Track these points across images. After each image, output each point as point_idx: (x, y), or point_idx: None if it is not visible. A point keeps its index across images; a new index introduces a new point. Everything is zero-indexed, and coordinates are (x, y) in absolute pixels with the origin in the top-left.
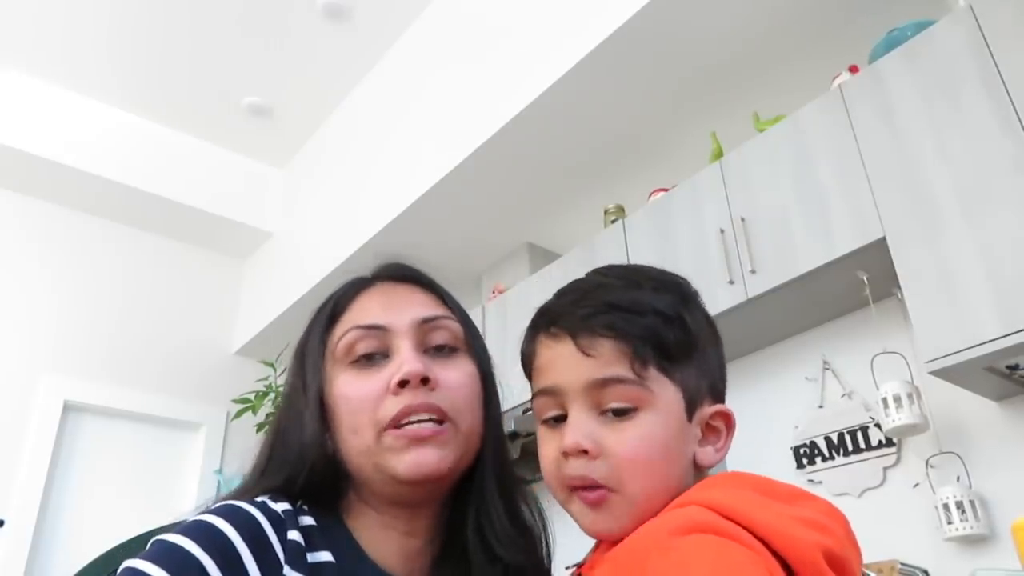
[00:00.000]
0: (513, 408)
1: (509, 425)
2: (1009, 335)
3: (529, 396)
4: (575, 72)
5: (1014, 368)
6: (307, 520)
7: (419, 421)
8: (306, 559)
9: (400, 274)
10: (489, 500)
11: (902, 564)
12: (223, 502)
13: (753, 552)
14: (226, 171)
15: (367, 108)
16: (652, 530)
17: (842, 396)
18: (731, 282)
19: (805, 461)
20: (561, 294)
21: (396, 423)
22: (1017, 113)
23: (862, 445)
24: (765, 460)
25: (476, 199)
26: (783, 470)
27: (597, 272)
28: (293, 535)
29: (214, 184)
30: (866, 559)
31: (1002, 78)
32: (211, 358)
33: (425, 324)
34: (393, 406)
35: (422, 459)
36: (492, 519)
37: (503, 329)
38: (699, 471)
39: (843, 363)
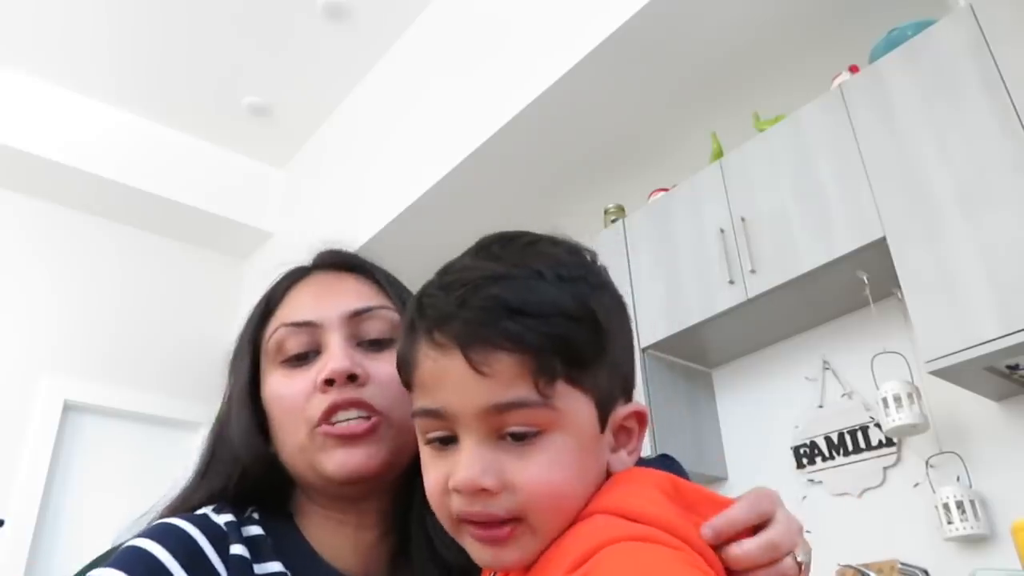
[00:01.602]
0: None
1: None
2: (1009, 335)
3: None
4: (575, 72)
5: (1014, 368)
6: (255, 530)
7: (348, 419)
8: (253, 572)
9: (337, 262)
10: None
11: (902, 564)
12: (159, 521)
13: (674, 548)
14: (226, 171)
15: (367, 108)
16: (560, 558)
17: (842, 396)
18: (731, 282)
19: (805, 461)
20: (444, 286)
21: (325, 420)
22: (1017, 113)
23: (862, 445)
24: (765, 460)
25: (476, 199)
26: (783, 470)
27: (485, 251)
28: (236, 549)
29: (214, 184)
30: (866, 559)
31: (1002, 78)
32: (211, 358)
33: (357, 316)
34: (320, 404)
35: (349, 459)
36: (435, 517)
37: None
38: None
39: (843, 363)
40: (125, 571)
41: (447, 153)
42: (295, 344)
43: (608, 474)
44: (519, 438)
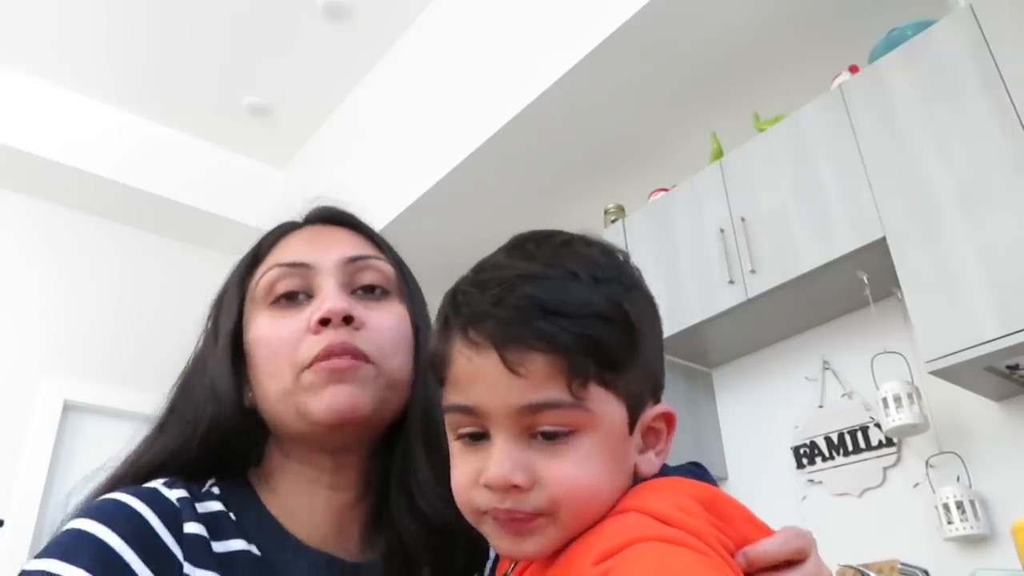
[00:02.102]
0: None
1: None
2: (1009, 335)
3: None
4: (575, 72)
5: (1014, 368)
6: (214, 506)
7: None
8: (211, 551)
9: (330, 215)
10: (415, 451)
11: (902, 564)
12: (104, 498)
13: (702, 553)
14: (226, 171)
15: (367, 108)
16: (589, 549)
17: (842, 396)
18: (731, 282)
19: (805, 461)
20: (479, 283)
21: (314, 364)
22: (1017, 113)
23: (862, 445)
24: (765, 460)
25: (476, 199)
26: (783, 470)
27: (520, 249)
28: (192, 527)
29: (214, 184)
30: (866, 559)
31: (1002, 78)
32: None
33: (352, 263)
34: (313, 346)
35: (339, 397)
36: (417, 471)
37: None
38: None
39: (843, 363)
40: (69, 562)
41: (447, 153)
42: (286, 285)
43: (636, 474)
44: (550, 437)
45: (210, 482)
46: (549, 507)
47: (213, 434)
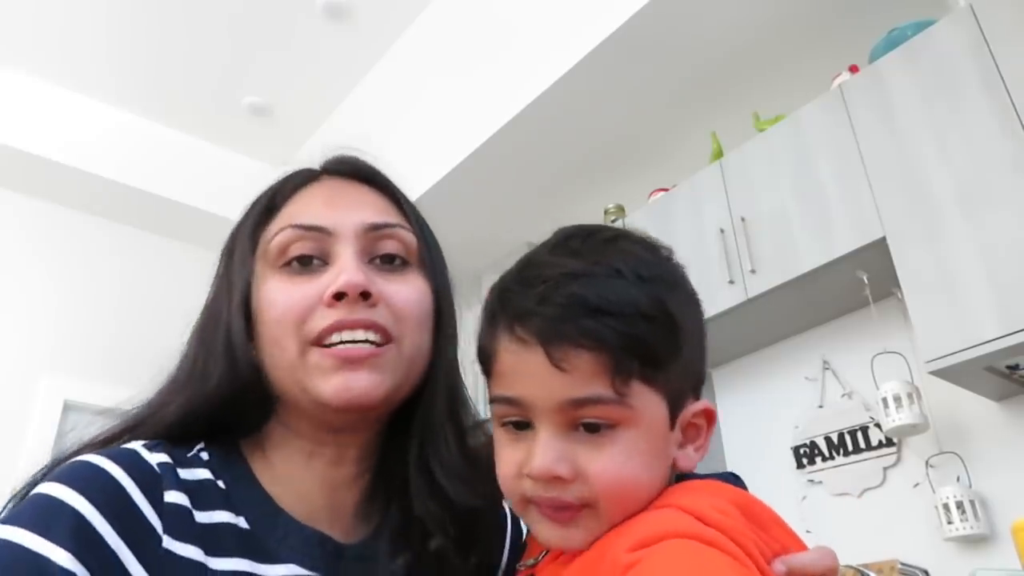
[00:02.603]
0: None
1: None
2: (1009, 335)
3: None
4: (575, 72)
5: (1014, 368)
6: (200, 473)
7: (353, 341)
8: (193, 521)
9: (352, 170)
10: (438, 430)
11: (902, 564)
12: (80, 459)
13: (734, 556)
14: (226, 171)
15: (367, 108)
16: (623, 539)
17: (842, 396)
18: (731, 282)
19: (805, 461)
20: (524, 280)
21: (323, 339)
22: (1017, 113)
23: (862, 445)
24: (765, 460)
25: (476, 198)
26: (783, 470)
27: (564, 247)
28: (172, 496)
29: (214, 184)
30: (866, 559)
31: (1002, 78)
32: None
33: (373, 231)
34: (323, 319)
35: (352, 383)
36: (440, 451)
37: None
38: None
39: (843, 363)
40: (43, 535)
41: (447, 153)
42: (300, 248)
43: (674, 468)
44: (592, 429)
45: (198, 446)
46: (591, 499)
47: (224, 391)
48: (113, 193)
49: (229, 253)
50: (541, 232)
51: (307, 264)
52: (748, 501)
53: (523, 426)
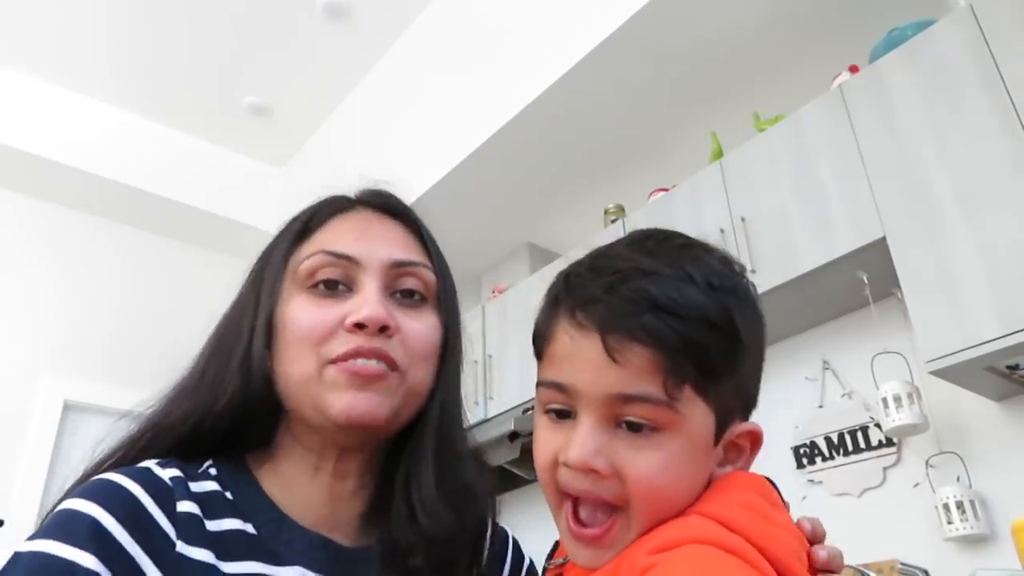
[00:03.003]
0: (513, 408)
1: (508, 425)
2: (1009, 335)
3: (528, 398)
4: (575, 72)
5: (1014, 368)
6: (209, 485)
7: (366, 363)
8: (205, 529)
9: (384, 204)
10: (422, 460)
11: (902, 564)
12: (97, 478)
13: (754, 566)
14: (226, 171)
15: (367, 108)
16: (645, 546)
17: (842, 396)
18: None
19: (805, 461)
20: (595, 269)
21: (340, 361)
22: (1017, 113)
23: (862, 445)
24: (765, 460)
25: (476, 199)
26: (783, 470)
27: (640, 245)
28: (184, 506)
29: (214, 184)
30: (866, 559)
31: (1002, 78)
32: None
33: (397, 267)
34: (342, 344)
35: (358, 403)
36: (420, 481)
37: (502, 329)
38: None
39: (843, 363)
40: (66, 542)
41: (447, 153)
42: (328, 272)
43: (709, 484)
44: (635, 429)
45: (207, 463)
46: (623, 500)
47: (236, 404)
48: (113, 193)
49: (260, 271)
50: (541, 232)
51: (333, 288)
52: (769, 488)
53: (565, 415)
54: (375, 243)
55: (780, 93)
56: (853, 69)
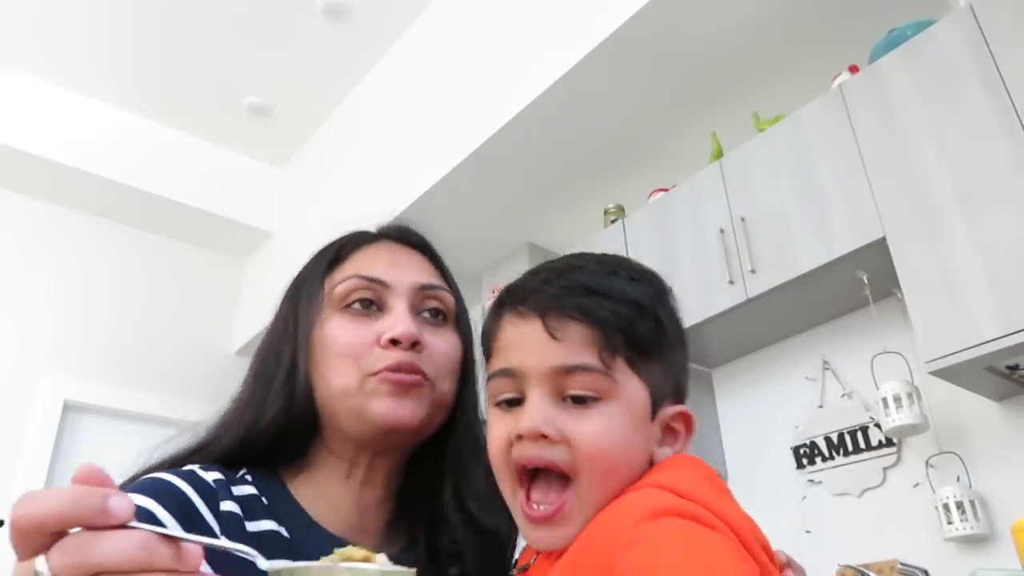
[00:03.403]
0: None
1: None
2: (1009, 335)
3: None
4: (575, 72)
5: (1014, 368)
6: (247, 489)
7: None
8: (245, 529)
9: (407, 237)
10: (468, 463)
11: (902, 564)
12: (147, 477)
13: (724, 535)
14: (226, 171)
15: (367, 108)
16: (613, 520)
17: (842, 396)
18: (731, 282)
19: (805, 461)
20: (533, 273)
21: (380, 374)
22: (1017, 113)
23: (862, 445)
24: (765, 460)
25: (476, 198)
26: (783, 470)
27: (571, 256)
28: (227, 505)
29: (214, 184)
30: (866, 559)
31: (1002, 78)
32: (211, 358)
33: (423, 290)
34: (380, 360)
35: (399, 408)
36: (471, 481)
37: None
38: None
39: (843, 363)
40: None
41: (447, 153)
42: (362, 294)
43: (651, 465)
44: (579, 401)
45: (243, 471)
46: (573, 465)
47: (280, 421)
48: (113, 193)
49: (295, 296)
50: (541, 232)
51: (367, 307)
52: (713, 471)
53: (515, 403)
54: (403, 269)
55: (780, 93)
56: (853, 69)
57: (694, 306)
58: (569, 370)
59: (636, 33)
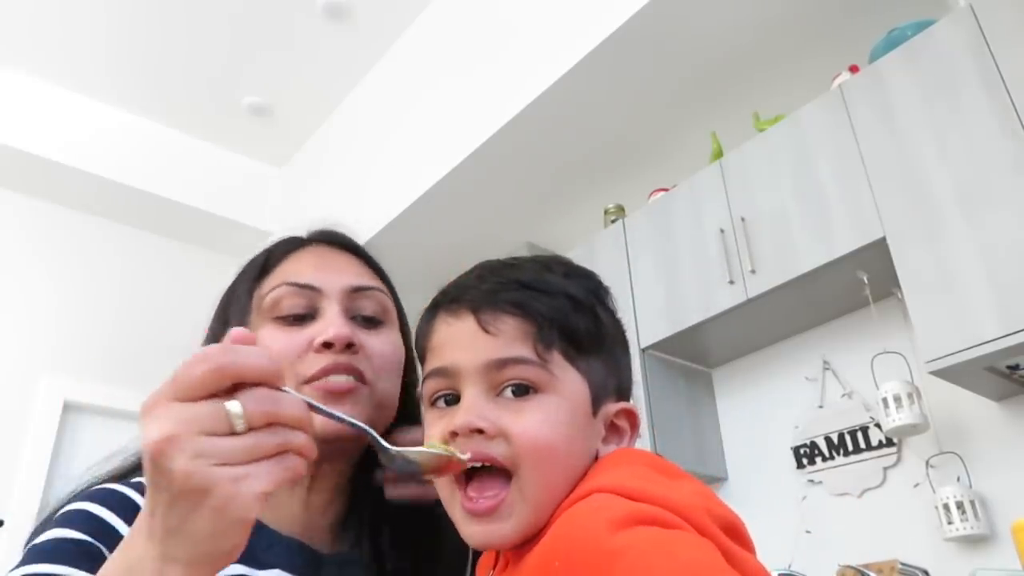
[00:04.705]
0: None
1: None
2: (1009, 335)
3: None
4: (575, 72)
5: (1014, 368)
6: None
7: (337, 380)
8: None
9: (336, 240)
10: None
11: (902, 564)
12: (96, 487)
13: (695, 535)
14: (226, 171)
15: (367, 108)
16: (573, 533)
17: (842, 396)
18: (731, 282)
19: (805, 461)
20: (468, 272)
21: (314, 380)
22: (1017, 113)
23: (862, 445)
24: (765, 460)
25: (476, 199)
26: (783, 470)
27: (508, 257)
28: None
29: (214, 184)
30: (866, 559)
31: (1002, 78)
32: None
33: (356, 292)
34: (314, 364)
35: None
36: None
37: None
38: None
39: (843, 363)
40: (70, 527)
41: (447, 153)
42: (293, 304)
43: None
44: (517, 394)
45: None
46: (512, 458)
47: None
48: (113, 193)
49: (224, 310)
50: (541, 232)
51: (300, 318)
52: (657, 460)
53: (452, 401)
54: (333, 272)
55: (780, 93)
56: (853, 69)
57: (694, 306)
58: (503, 363)
59: (636, 33)
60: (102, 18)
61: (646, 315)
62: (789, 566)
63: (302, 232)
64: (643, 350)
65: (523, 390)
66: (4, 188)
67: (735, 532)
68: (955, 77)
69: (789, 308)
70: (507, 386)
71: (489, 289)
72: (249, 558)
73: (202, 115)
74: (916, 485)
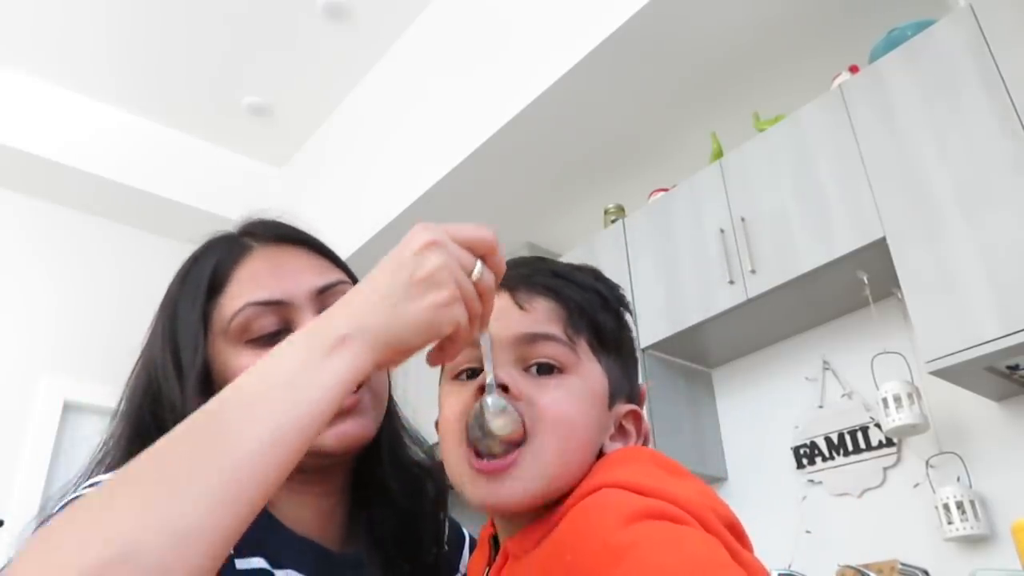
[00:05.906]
0: None
1: None
2: (1009, 335)
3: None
4: (575, 72)
5: (1014, 368)
6: None
7: None
8: None
9: (283, 235)
10: (399, 432)
11: (902, 564)
12: (93, 483)
13: (703, 532)
14: (226, 171)
15: (367, 108)
16: (584, 527)
17: (842, 396)
18: (731, 282)
19: (805, 461)
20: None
21: None
22: (1017, 113)
23: (862, 445)
24: (765, 460)
25: (476, 199)
26: (783, 470)
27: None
28: None
29: (214, 184)
30: (866, 559)
31: (1002, 78)
32: None
33: (323, 292)
34: None
35: (348, 430)
36: (405, 442)
37: None
38: None
39: (843, 363)
40: None
41: (447, 153)
42: (265, 324)
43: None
44: (543, 371)
45: None
46: (532, 424)
47: None
48: (113, 193)
49: (171, 328)
50: (541, 232)
51: (273, 335)
52: (663, 459)
53: (475, 374)
54: (293, 277)
55: (780, 93)
56: (853, 69)
57: (694, 306)
58: (534, 337)
59: (636, 33)
60: (102, 18)
61: (646, 315)
62: (789, 566)
63: (233, 228)
64: (643, 350)
65: (548, 370)
66: (4, 188)
67: (736, 532)
68: (955, 77)
69: (789, 308)
70: (533, 364)
71: (525, 273)
72: (269, 556)
73: (202, 115)
74: (916, 485)
